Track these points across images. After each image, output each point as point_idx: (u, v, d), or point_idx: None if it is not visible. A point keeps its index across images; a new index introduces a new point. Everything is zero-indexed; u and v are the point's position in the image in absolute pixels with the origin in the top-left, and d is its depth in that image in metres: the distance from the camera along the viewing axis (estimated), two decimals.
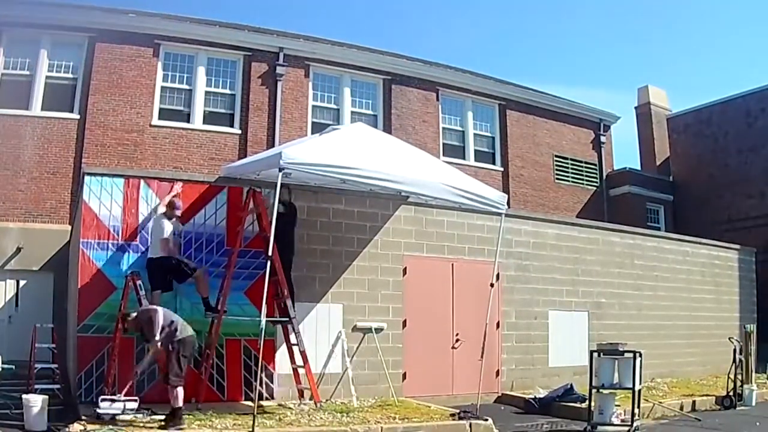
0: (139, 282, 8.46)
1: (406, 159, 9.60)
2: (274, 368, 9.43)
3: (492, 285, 9.86)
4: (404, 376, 10.36)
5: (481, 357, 9.77)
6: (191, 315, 9.02)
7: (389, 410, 8.91)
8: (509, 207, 10.91)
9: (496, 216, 10.09)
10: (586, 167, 21.28)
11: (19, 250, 13.49)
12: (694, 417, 10.16)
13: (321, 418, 8.18)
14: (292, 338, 8.99)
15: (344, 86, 17.56)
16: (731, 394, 11.14)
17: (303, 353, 8.85)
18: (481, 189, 9.85)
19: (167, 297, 8.95)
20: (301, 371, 8.98)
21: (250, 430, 7.21)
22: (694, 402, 10.97)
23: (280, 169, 7.88)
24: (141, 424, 7.30)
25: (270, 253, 7.78)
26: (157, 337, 7.38)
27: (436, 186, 9.20)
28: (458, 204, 9.85)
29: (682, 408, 10.57)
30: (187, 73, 15.91)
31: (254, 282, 9.39)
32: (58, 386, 9.54)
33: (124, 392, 7.59)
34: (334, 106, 17.42)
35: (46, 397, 7.62)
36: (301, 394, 9.12)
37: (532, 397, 10.70)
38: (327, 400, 9.20)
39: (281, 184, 8.01)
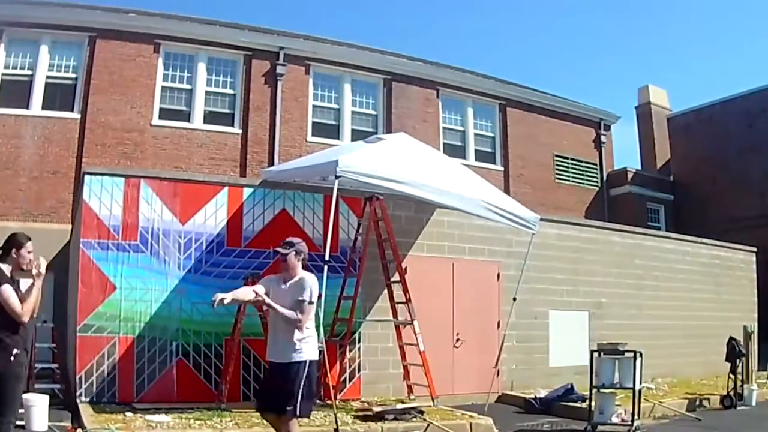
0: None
1: (448, 173, 10.01)
2: None
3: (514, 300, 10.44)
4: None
5: (496, 365, 10.32)
6: (191, 315, 9.04)
7: None
8: None
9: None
10: (586, 167, 21.26)
11: None
12: (694, 417, 10.16)
13: (321, 417, 8.18)
14: (404, 338, 9.76)
15: (345, 86, 17.55)
16: (732, 393, 11.14)
17: (422, 354, 9.33)
18: (517, 208, 10.12)
19: (169, 296, 8.96)
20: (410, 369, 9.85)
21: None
22: (694, 401, 10.96)
23: (337, 177, 8.02)
24: (144, 424, 7.31)
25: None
26: None
27: (477, 203, 9.51)
28: (494, 221, 10.06)
29: (682, 408, 10.56)
30: (187, 73, 15.89)
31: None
32: (58, 386, 9.54)
33: None
34: (335, 106, 17.41)
35: (47, 396, 7.61)
36: (411, 390, 9.83)
37: (533, 396, 10.69)
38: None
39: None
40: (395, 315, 9.86)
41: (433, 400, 9.31)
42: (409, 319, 9.53)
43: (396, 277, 9.73)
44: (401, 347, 9.86)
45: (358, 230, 10.12)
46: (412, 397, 9.78)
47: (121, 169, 10.69)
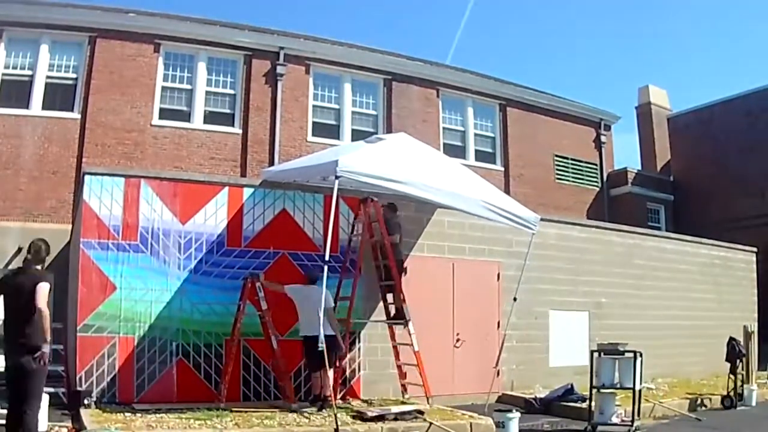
0: (258, 284, 8.69)
1: (447, 173, 10.02)
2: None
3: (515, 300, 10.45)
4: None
5: (496, 365, 10.29)
6: (191, 315, 9.04)
7: None
8: None
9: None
10: (586, 167, 21.25)
11: (20, 249, 13.47)
12: (694, 417, 10.16)
13: (322, 417, 8.17)
14: (398, 338, 9.77)
15: (345, 86, 17.54)
16: (732, 393, 11.14)
17: (417, 354, 9.37)
18: (517, 208, 10.12)
19: (169, 296, 8.95)
20: (405, 369, 9.80)
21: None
22: (694, 401, 10.96)
23: (337, 177, 8.03)
24: (143, 424, 7.30)
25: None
26: None
27: (477, 203, 9.52)
28: (494, 221, 10.05)
29: (683, 408, 10.56)
30: (187, 73, 15.89)
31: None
32: (63, 390, 9.31)
33: None
34: (335, 106, 17.40)
35: (47, 396, 7.58)
36: (405, 390, 9.82)
37: (533, 396, 10.70)
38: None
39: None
40: (388, 316, 9.89)
41: (427, 399, 9.31)
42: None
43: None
44: (395, 347, 9.88)
45: (352, 231, 10.13)
46: (407, 396, 9.77)
47: (121, 169, 10.70)
